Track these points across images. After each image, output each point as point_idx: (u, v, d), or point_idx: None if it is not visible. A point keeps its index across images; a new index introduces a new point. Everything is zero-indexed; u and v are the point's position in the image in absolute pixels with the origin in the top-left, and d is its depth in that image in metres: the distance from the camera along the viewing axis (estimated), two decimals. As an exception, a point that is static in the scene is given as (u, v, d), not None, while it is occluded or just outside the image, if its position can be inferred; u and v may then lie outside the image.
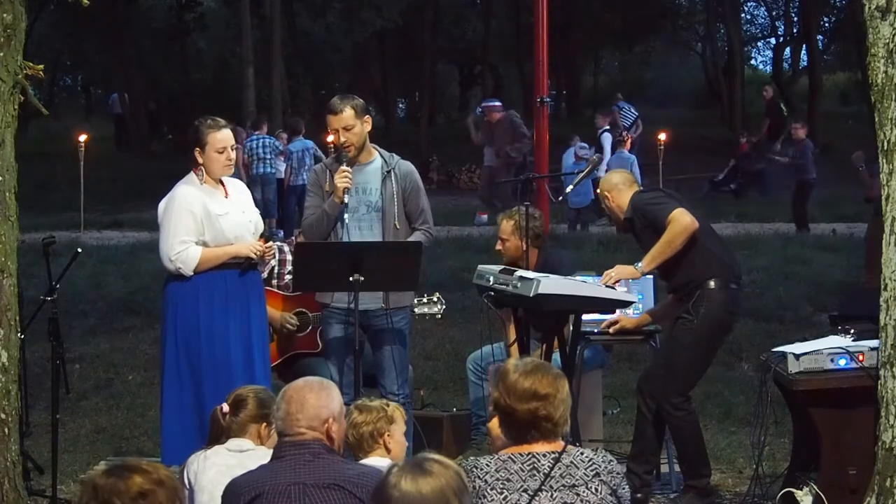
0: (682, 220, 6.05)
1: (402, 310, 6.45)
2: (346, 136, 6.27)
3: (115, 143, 32.10)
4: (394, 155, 6.53)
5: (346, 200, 6.22)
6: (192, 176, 6.13)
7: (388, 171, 6.37)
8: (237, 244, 6.06)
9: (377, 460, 4.39)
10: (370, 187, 6.37)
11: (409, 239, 6.35)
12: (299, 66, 32.16)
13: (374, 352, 6.46)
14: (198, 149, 6.07)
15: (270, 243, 6.19)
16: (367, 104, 6.50)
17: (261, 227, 6.24)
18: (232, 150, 6.13)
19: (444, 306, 7.15)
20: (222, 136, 6.08)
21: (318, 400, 3.96)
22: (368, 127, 6.36)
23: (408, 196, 6.39)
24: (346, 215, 6.25)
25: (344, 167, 6.24)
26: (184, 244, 5.96)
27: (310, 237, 6.43)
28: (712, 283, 6.12)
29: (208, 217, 5.99)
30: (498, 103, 17.70)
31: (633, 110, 21.55)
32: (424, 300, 7.14)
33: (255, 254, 6.07)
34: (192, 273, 5.97)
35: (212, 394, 5.89)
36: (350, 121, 6.26)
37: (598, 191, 6.60)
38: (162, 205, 6.11)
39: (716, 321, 6.17)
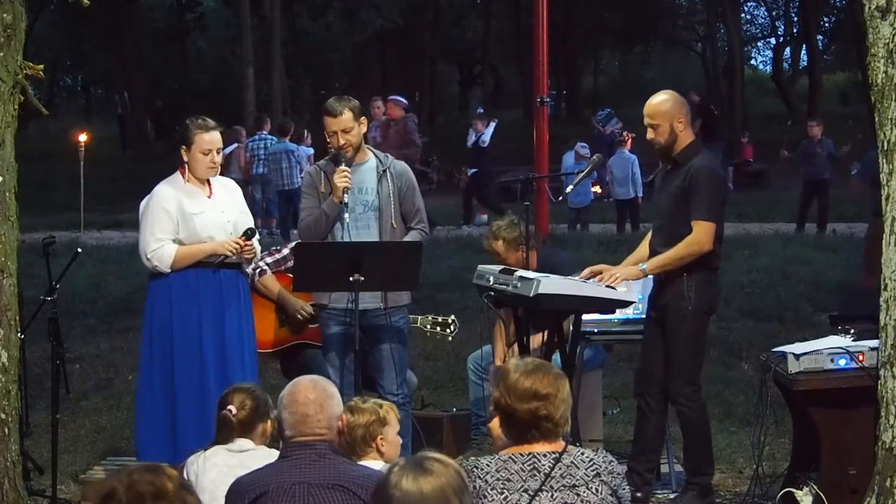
0: (702, 240, 6.01)
1: (400, 309, 6.46)
2: (344, 138, 6.28)
3: (122, 145, 32.07)
4: (388, 155, 6.57)
5: (345, 201, 6.23)
6: (176, 175, 6.16)
7: (384, 171, 6.39)
8: (214, 242, 6.05)
9: (371, 464, 4.39)
10: (366, 187, 6.38)
11: (406, 238, 6.37)
12: (299, 66, 32.17)
13: (372, 352, 6.45)
14: (184, 147, 6.09)
15: (251, 242, 6.14)
16: (362, 105, 6.51)
17: (242, 227, 6.18)
18: (218, 153, 6.12)
19: (456, 329, 7.17)
20: (209, 139, 6.08)
21: (331, 399, 4.04)
22: (364, 128, 6.39)
23: (403, 195, 6.40)
24: (346, 215, 6.26)
25: (343, 167, 6.25)
26: (159, 242, 5.99)
27: (307, 238, 6.42)
28: (698, 268, 6.10)
29: (183, 215, 6.02)
30: (404, 101, 17.03)
31: (604, 109, 21.75)
32: (439, 320, 7.14)
33: (232, 251, 6.05)
34: (168, 270, 6.00)
35: (184, 393, 5.95)
36: (349, 123, 6.27)
37: (654, 110, 6.12)
38: (142, 204, 6.16)
39: (706, 303, 6.18)
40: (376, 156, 6.46)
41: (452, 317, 7.21)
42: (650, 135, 6.18)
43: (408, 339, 6.70)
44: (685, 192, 6.10)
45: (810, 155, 17.26)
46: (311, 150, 17.45)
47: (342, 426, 4.09)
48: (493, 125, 18.58)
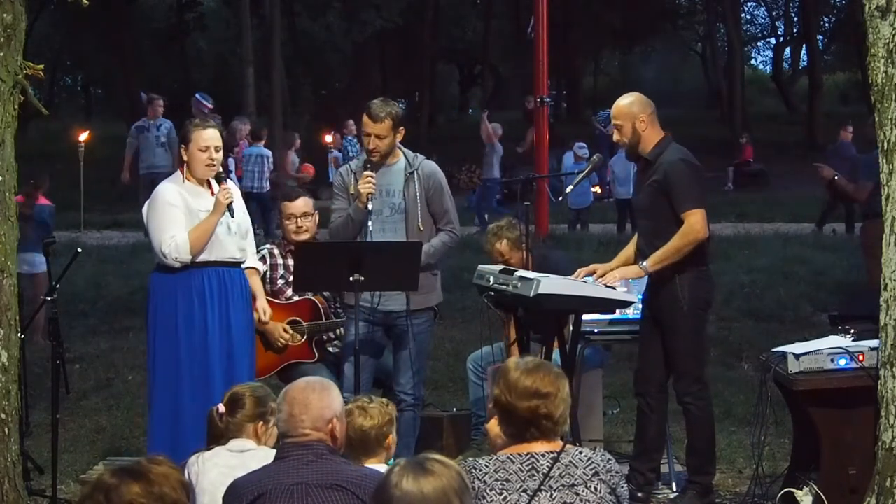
0: (696, 229, 6.02)
1: (424, 312, 6.47)
2: (376, 143, 6.31)
3: None
4: (418, 155, 6.57)
5: (370, 207, 6.26)
6: (177, 174, 6.18)
7: (412, 173, 6.40)
8: (212, 211, 6.03)
9: (378, 467, 4.38)
10: (393, 189, 6.39)
11: (433, 240, 6.39)
12: (299, 66, 32.20)
13: (393, 352, 6.49)
14: (183, 146, 6.12)
15: (225, 185, 6.14)
16: (401, 114, 6.48)
17: (242, 225, 6.23)
18: (216, 150, 6.11)
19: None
20: (207, 135, 6.08)
21: (320, 401, 3.98)
22: (400, 137, 6.42)
23: (431, 196, 6.41)
24: (370, 222, 6.29)
25: (367, 172, 6.27)
26: (170, 235, 5.97)
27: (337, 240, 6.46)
28: (688, 266, 6.11)
29: (189, 211, 6.02)
30: (206, 102, 16.71)
31: (605, 110, 21.80)
32: None
33: (228, 198, 6.05)
34: (189, 257, 5.98)
35: (189, 391, 5.95)
36: (386, 131, 6.31)
37: (617, 111, 6.21)
38: (146, 206, 6.17)
39: (702, 299, 6.19)
40: (406, 157, 6.47)
41: None
42: (616, 136, 6.30)
43: (429, 342, 6.69)
44: (660, 187, 6.13)
45: (839, 157, 17.19)
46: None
47: (333, 428, 4.00)
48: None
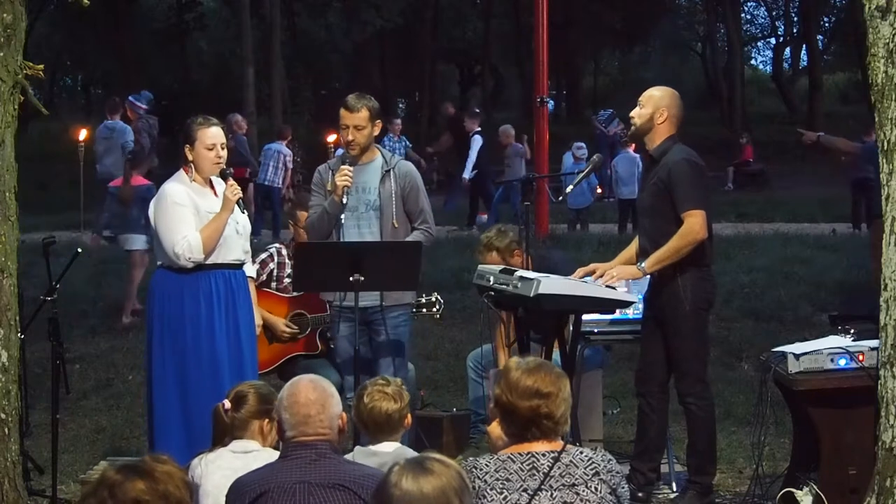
0: (695, 230, 6.02)
1: (400, 307, 6.48)
2: (354, 135, 6.36)
3: None
4: (395, 155, 6.64)
5: (345, 200, 6.26)
6: (181, 174, 6.15)
7: (388, 171, 6.43)
8: (223, 209, 6.02)
9: (395, 444, 4.50)
10: (369, 186, 6.43)
11: (409, 238, 6.39)
12: (299, 66, 32.19)
13: (371, 349, 6.48)
14: (188, 146, 6.09)
15: (232, 182, 6.13)
16: (378, 108, 6.52)
17: (245, 223, 6.23)
18: (222, 147, 6.12)
19: (442, 307, 7.16)
20: (213, 133, 6.08)
21: (332, 398, 4.05)
22: (377, 131, 6.48)
23: (406, 195, 6.45)
24: (342, 215, 6.30)
25: (345, 166, 6.30)
26: (182, 236, 5.96)
27: (312, 236, 6.50)
28: (691, 266, 6.12)
29: (198, 213, 6.01)
30: (140, 104, 15.37)
31: (605, 110, 21.80)
32: (423, 301, 7.14)
33: (237, 195, 6.04)
34: (203, 256, 5.96)
35: (196, 389, 5.94)
36: (363, 122, 6.36)
37: (648, 94, 6.29)
38: (152, 206, 6.14)
39: (704, 300, 6.20)
40: (383, 156, 6.52)
41: (435, 294, 7.17)
42: (633, 112, 6.31)
43: (408, 338, 6.70)
44: (664, 186, 6.14)
45: (856, 155, 17.09)
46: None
47: (342, 424, 4.09)
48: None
